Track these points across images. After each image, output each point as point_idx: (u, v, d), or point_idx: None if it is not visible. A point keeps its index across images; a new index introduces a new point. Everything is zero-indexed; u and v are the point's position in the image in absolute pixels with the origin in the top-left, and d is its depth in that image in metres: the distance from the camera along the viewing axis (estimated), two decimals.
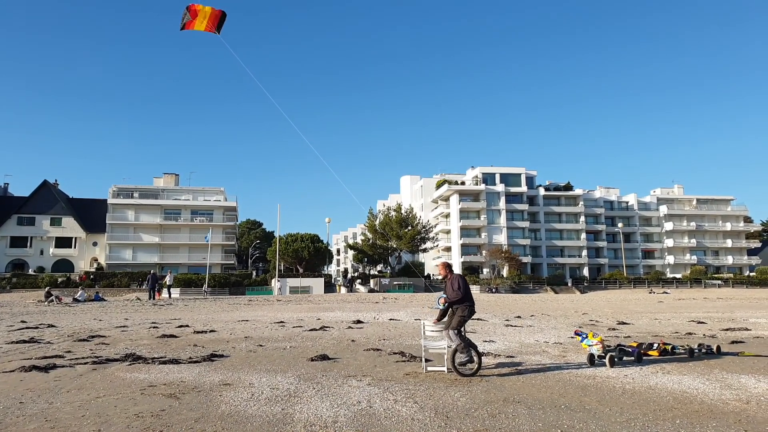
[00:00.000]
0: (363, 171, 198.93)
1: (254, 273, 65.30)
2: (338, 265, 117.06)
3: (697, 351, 8.71)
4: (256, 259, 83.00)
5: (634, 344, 8.89)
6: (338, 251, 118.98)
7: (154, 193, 69.44)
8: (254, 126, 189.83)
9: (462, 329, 7.07)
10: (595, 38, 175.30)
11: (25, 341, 10.58)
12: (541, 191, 74.28)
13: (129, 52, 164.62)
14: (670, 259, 76.67)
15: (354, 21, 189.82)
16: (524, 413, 5.11)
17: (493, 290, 55.19)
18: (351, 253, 75.92)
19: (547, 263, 72.01)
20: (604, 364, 7.65)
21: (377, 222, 62.99)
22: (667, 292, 54.70)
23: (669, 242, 77.28)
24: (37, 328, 13.61)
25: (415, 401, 5.58)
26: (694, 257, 76.57)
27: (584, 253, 73.03)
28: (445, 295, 7.22)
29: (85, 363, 7.87)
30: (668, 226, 77.65)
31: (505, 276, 62.66)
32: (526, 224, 71.35)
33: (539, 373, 7.15)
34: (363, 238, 67.07)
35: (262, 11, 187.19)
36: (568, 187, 76.76)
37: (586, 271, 71.88)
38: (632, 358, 8.14)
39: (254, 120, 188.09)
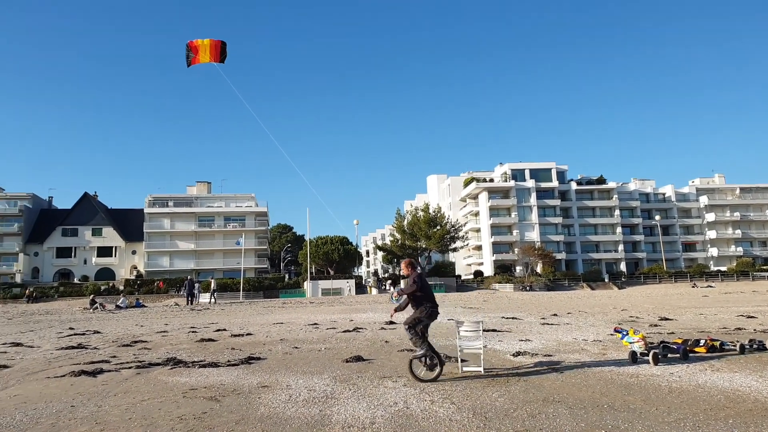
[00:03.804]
0: (390, 172, 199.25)
1: (287, 276, 66.31)
2: (368, 266, 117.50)
3: (748, 347, 8.32)
4: (288, 263, 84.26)
5: (679, 341, 8.55)
6: (367, 252, 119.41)
7: (188, 201, 71.47)
8: (283, 126, 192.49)
9: (420, 330, 6.69)
10: (624, 22, 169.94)
11: (73, 347, 11.04)
12: (573, 186, 72.56)
13: (158, 66, 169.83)
14: (713, 251, 73.57)
15: (385, 21, 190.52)
16: (565, 413, 4.99)
17: (527, 288, 54.23)
18: (380, 254, 76.09)
19: (582, 259, 70.25)
20: (647, 362, 7.39)
21: (405, 222, 62.88)
22: (711, 286, 52.47)
23: (711, 234, 74.18)
24: (84, 334, 14.20)
25: (452, 402, 5.52)
26: (740, 248, 73.24)
27: (620, 247, 70.90)
28: (399, 289, 7.23)
29: (130, 367, 8.15)
30: (710, 217, 74.57)
31: (539, 273, 61.50)
32: (558, 220, 69.86)
33: (579, 372, 6.97)
34: (392, 238, 67.05)
35: (292, 8, 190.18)
36: (601, 181, 74.72)
37: (623, 266, 69.78)
38: (677, 355, 7.84)
39: (280, 122, 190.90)
